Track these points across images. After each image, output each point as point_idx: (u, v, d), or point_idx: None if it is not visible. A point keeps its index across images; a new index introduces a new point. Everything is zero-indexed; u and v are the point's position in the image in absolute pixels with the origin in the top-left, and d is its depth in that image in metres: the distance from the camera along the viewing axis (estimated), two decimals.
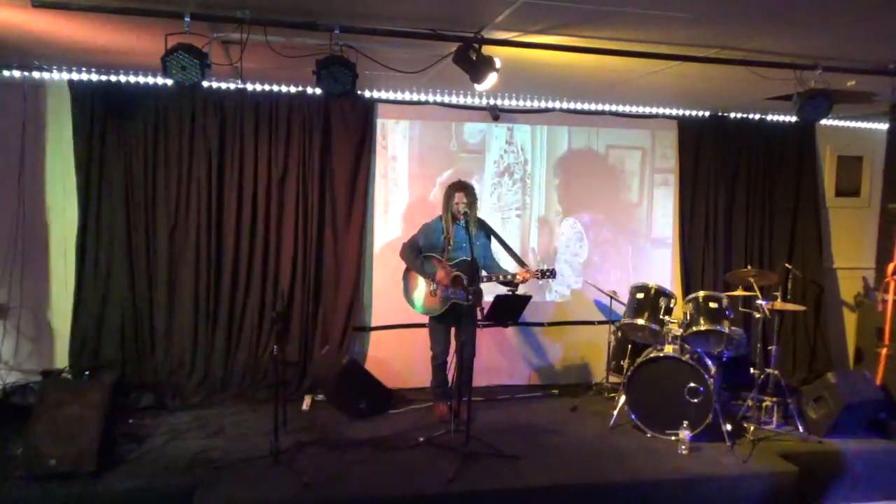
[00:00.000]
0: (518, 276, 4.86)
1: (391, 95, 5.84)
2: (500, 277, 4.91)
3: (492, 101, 5.94)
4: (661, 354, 4.90)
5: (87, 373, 5.09)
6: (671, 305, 5.19)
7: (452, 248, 4.93)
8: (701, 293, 5.16)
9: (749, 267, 5.47)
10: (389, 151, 5.96)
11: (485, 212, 5.78)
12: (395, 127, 5.95)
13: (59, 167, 5.36)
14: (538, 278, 4.88)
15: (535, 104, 6.09)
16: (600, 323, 6.22)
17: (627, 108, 6.30)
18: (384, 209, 5.98)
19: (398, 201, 6.00)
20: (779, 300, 5.24)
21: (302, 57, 3.94)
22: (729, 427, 4.76)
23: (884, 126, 6.25)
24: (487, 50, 3.98)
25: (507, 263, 5.17)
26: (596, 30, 3.83)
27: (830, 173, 6.84)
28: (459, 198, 4.87)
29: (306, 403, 5.43)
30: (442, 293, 4.90)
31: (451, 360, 4.92)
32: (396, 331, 5.92)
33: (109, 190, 5.38)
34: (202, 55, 3.67)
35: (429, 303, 4.97)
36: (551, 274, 4.89)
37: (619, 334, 5.64)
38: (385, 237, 5.96)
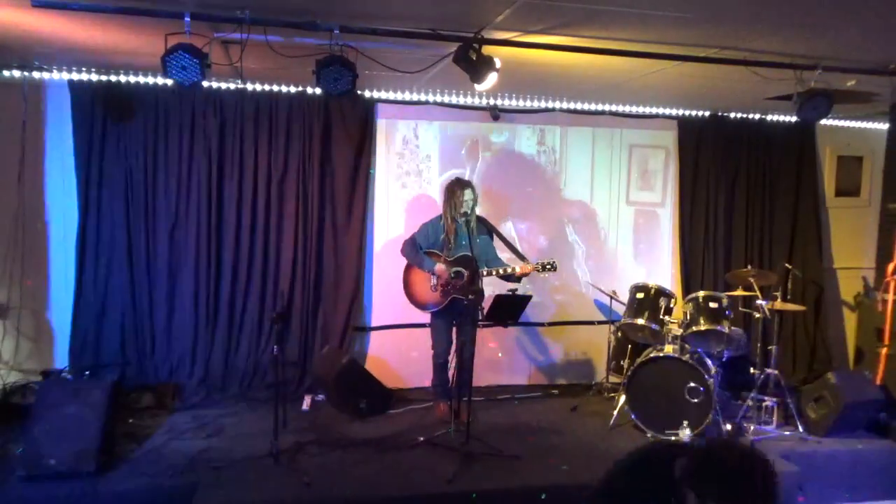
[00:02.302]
0: (518, 270, 4.86)
1: (391, 95, 5.84)
2: (500, 271, 4.91)
3: (492, 101, 5.94)
4: (661, 354, 4.90)
5: (87, 373, 5.09)
6: (671, 305, 5.19)
7: (454, 245, 4.94)
8: (701, 293, 5.16)
9: (749, 267, 5.47)
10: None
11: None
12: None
13: (59, 167, 5.36)
14: (539, 271, 4.89)
15: (536, 104, 6.10)
16: (600, 323, 6.22)
17: (627, 108, 6.30)
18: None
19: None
20: (779, 300, 5.23)
21: (302, 57, 3.94)
22: (729, 427, 4.76)
23: (884, 126, 6.25)
24: (487, 50, 3.98)
25: (513, 262, 5.17)
26: (596, 30, 3.83)
27: (830, 173, 6.83)
28: (464, 195, 4.87)
29: (306, 403, 5.43)
30: (442, 287, 4.90)
31: (452, 359, 4.92)
32: (396, 331, 5.92)
33: (109, 190, 5.38)
34: (202, 55, 3.67)
35: (430, 297, 4.98)
36: (552, 267, 4.89)
37: (619, 334, 5.64)
38: (387, 237, 5.97)
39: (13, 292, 5.31)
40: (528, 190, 6.26)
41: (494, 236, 5.19)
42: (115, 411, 4.33)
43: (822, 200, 6.78)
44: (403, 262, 5.13)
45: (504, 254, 5.24)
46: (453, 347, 5.01)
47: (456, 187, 4.94)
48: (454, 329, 5.04)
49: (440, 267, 4.89)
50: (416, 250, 5.02)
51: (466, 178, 5.42)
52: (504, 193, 6.18)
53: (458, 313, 4.85)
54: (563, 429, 5.09)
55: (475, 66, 3.98)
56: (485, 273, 4.87)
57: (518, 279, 4.97)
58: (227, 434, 4.78)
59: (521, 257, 5.05)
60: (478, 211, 5.11)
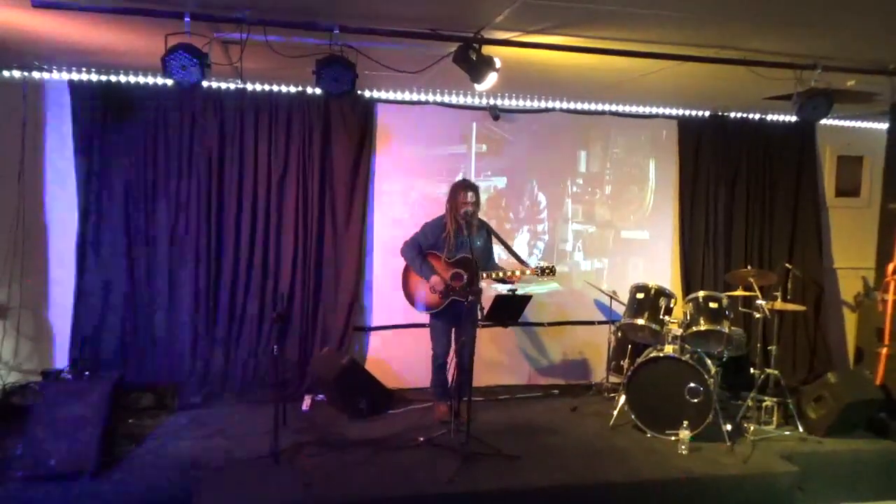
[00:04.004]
0: (517, 274, 4.85)
1: (391, 95, 5.85)
2: (496, 275, 4.91)
3: (492, 101, 5.95)
4: (661, 354, 4.90)
5: (87, 373, 5.08)
6: (671, 305, 5.19)
7: (454, 246, 4.93)
8: (701, 293, 5.16)
9: (749, 267, 5.47)
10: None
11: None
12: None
13: (59, 167, 5.36)
14: (538, 275, 4.88)
15: (536, 104, 6.10)
16: (600, 323, 6.22)
17: (627, 108, 6.31)
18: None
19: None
20: (779, 300, 5.23)
21: (302, 57, 3.94)
22: (729, 427, 4.76)
23: (884, 126, 6.24)
24: (487, 50, 3.98)
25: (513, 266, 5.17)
26: (596, 30, 3.83)
27: (830, 173, 6.84)
28: (468, 197, 4.84)
29: (306, 403, 5.43)
30: (441, 289, 4.89)
31: (452, 360, 4.92)
32: (396, 331, 5.92)
33: (109, 190, 5.38)
34: (202, 55, 3.68)
35: (429, 299, 4.97)
36: (551, 271, 4.89)
37: (619, 334, 5.64)
38: (387, 237, 5.96)
39: (13, 292, 5.31)
40: (531, 190, 6.25)
41: (494, 240, 5.18)
42: (115, 411, 4.33)
43: (822, 200, 6.78)
44: (404, 262, 5.12)
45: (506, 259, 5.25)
46: (452, 348, 5.00)
47: (459, 188, 4.92)
48: (453, 330, 5.04)
49: (435, 279, 4.86)
50: (416, 253, 4.97)
51: (470, 179, 5.42)
52: (507, 194, 6.18)
53: (457, 315, 4.84)
54: (563, 429, 5.09)
55: (475, 66, 3.98)
56: (483, 277, 4.87)
57: (514, 282, 4.95)
58: (226, 434, 4.78)
59: (521, 261, 5.04)
60: (480, 213, 5.10)
